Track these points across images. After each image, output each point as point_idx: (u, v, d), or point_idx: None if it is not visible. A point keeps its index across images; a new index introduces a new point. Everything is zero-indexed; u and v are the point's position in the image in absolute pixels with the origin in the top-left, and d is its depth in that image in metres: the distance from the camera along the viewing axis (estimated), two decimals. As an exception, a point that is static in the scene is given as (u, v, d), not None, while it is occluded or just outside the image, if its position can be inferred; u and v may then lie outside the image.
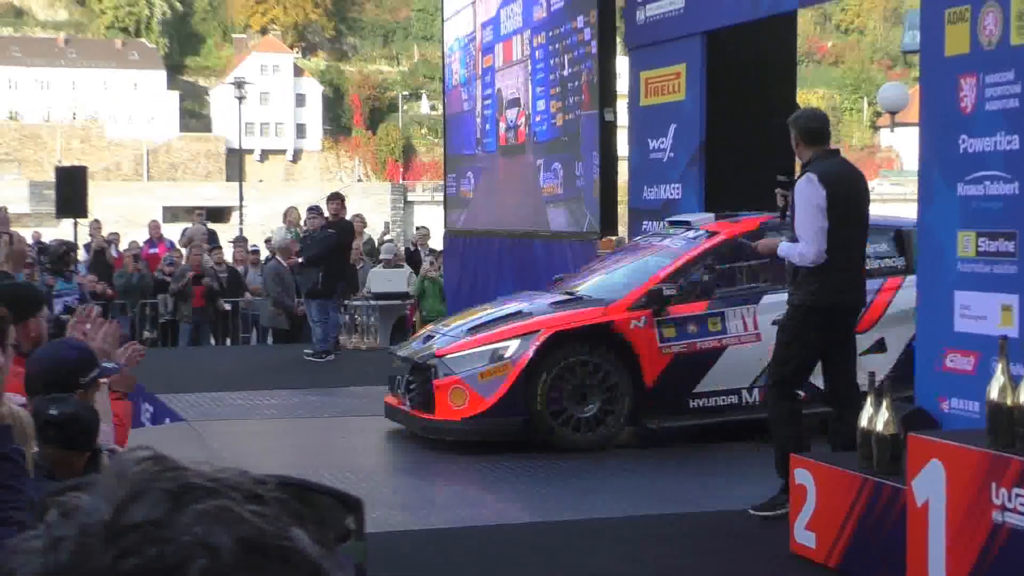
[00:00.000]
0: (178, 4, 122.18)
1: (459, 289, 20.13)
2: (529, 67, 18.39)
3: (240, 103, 51.58)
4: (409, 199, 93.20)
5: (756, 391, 11.34)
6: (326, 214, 18.13)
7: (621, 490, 9.93)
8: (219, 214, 69.17)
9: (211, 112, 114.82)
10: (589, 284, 12.48)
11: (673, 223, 13.17)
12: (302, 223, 20.15)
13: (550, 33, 17.59)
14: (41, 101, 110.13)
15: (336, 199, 18.30)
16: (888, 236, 12.17)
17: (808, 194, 8.56)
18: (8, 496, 3.10)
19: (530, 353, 11.15)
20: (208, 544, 0.93)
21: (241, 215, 46.65)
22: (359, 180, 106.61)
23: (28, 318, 5.88)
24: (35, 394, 4.86)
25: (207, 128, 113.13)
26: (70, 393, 4.83)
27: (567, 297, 12.12)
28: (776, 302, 11.24)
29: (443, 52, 23.25)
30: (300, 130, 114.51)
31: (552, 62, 17.55)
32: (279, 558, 0.95)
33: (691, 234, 12.25)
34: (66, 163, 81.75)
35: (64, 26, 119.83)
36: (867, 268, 11.76)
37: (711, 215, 12.81)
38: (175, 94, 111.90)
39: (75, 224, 22.18)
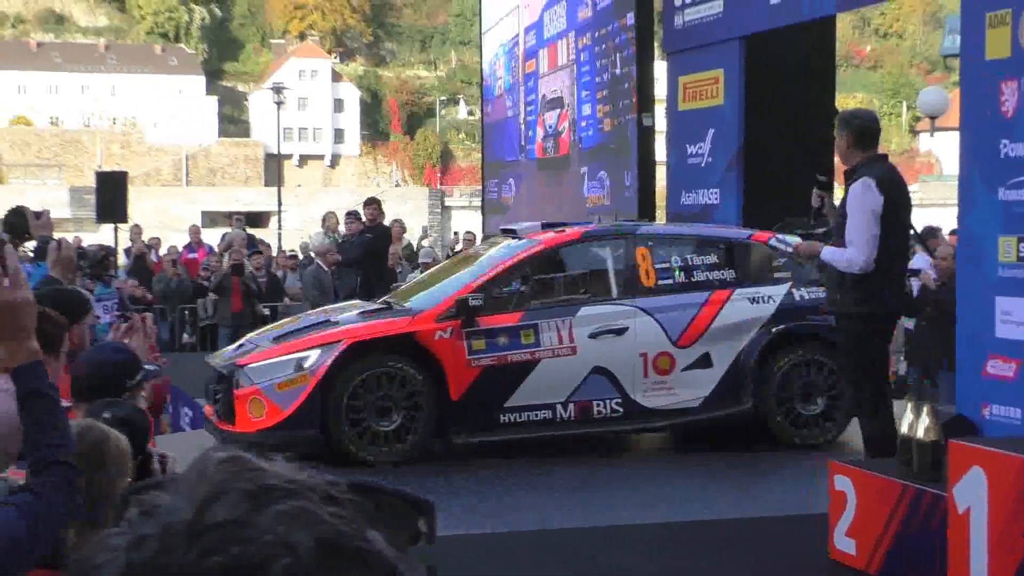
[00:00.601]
0: (217, 10, 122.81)
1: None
2: (574, 70, 18.14)
3: (279, 108, 51.84)
4: (447, 204, 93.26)
5: (572, 406, 11.11)
6: (364, 219, 18.17)
7: (656, 496, 9.90)
8: (258, 219, 69.45)
9: (250, 117, 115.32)
10: (415, 293, 12.14)
11: (504, 231, 13.08)
12: (340, 228, 20.20)
13: (597, 33, 17.28)
14: (82, 106, 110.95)
15: (373, 204, 18.33)
16: (718, 248, 11.96)
17: (865, 199, 8.36)
18: (45, 433, 3.10)
19: (328, 364, 10.73)
20: (289, 544, 0.94)
21: (280, 220, 46.85)
22: (396, 185, 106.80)
23: (74, 324, 5.93)
24: (81, 398, 4.90)
25: (246, 133, 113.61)
26: (123, 396, 4.86)
27: (380, 307, 11.77)
28: (594, 314, 11.23)
29: (480, 57, 23.25)
30: (338, 135, 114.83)
31: (599, 63, 17.24)
32: (357, 559, 0.97)
33: (514, 243, 12.04)
34: (106, 168, 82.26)
35: (104, 32, 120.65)
36: (692, 279, 11.73)
37: (538, 224, 12.69)
38: (214, 99, 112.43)
39: (115, 229, 22.26)
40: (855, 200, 8.42)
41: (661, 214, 16.42)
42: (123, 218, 21.07)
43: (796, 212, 11.55)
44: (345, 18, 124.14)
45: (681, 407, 11.36)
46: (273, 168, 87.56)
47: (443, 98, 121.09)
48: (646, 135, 15.95)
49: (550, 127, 19.33)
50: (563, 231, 12.06)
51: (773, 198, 12.98)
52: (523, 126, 20.35)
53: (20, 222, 8.68)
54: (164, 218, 71.49)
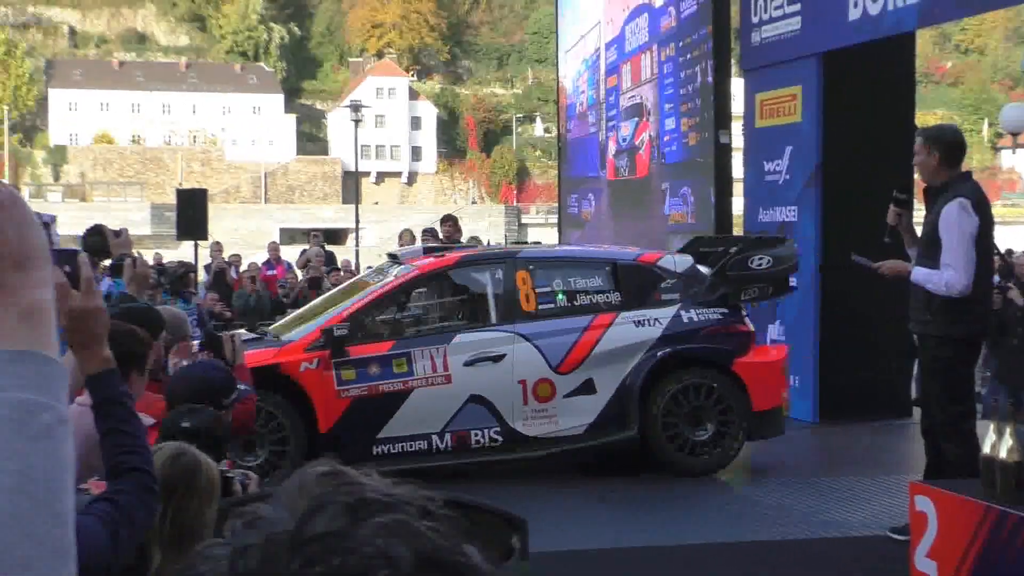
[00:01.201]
0: (296, 29, 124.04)
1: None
2: (657, 84, 17.87)
3: (356, 126, 52.24)
4: (523, 221, 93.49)
5: (448, 436, 10.84)
6: (440, 236, 18.21)
7: (738, 515, 9.83)
8: (335, 236, 69.96)
9: (328, 135, 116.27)
10: (296, 323, 11.77)
11: (389, 256, 12.76)
12: (417, 245, 20.28)
13: (681, 43, 16.95)
14: (163, 125, 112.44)
15: (450, 221, 18.35)
16: (603, 270, 11.66)
17: (962, 222, 8.03)
18: (120, 440, 3.13)
19: None
20: (389, 556, 0.96)
21: (357, 237, 47.18)
22: (473, 202, 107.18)
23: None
24: None
25: (324, 151, 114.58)
26: (204, 406, 4.91)
27: (254, 336, 11.39)
28: (470, 341, 10.93)
29: (557, 75, 23.29)
30: (415, 153, 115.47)
31: (684, 74, 16.91)
32: (455, 573, 0.98)
33: (394, 270, 11.70)
34: (186, 186, 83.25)
35: (185, 51, 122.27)
36: (575, 303, 11.41)
37: (420, 248, 12.48)
38: (292, 117, 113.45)
39: (195, 246, 22.47)
40: (952, 222, 8.08)
41: (739, 231, 16.32)
42: (203, 235, 21.27)
43: (874, 229, 11.37)
44: (423, 36, 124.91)
45: (563, 435, 11.08)
46: (351, 185, 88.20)
47: (519, 116, 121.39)
48: (723, 152, 15.90)
49: (624, 139, 19.23)
50: (442, 256, 11.70)
51: (851, 215, 12.85)
52: (604, 142, 20.30)
53: (99, 240, 8.78)
54: (243, 235, 72.19)
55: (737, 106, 15.69)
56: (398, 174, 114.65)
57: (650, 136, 18.23)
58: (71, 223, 67.64)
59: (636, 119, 18.84)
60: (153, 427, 4.55)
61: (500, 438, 10.91)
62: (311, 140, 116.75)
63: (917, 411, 10.46)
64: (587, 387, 11.15)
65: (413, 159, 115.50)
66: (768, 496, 10.54)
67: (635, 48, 18.80)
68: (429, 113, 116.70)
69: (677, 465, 11.14)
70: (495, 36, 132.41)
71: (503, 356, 10.91)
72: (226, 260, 23.84)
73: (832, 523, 9.38)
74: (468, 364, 10.87)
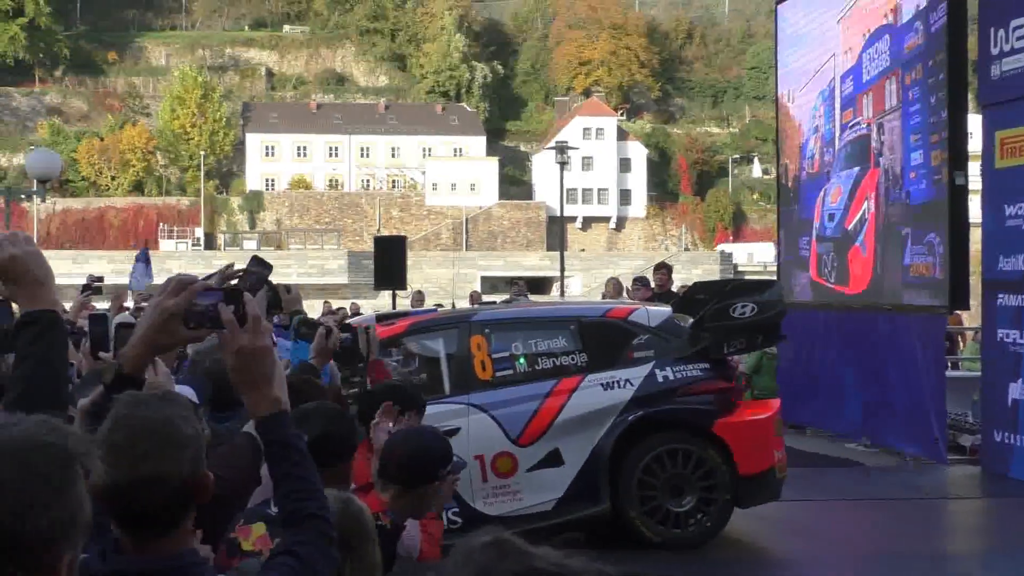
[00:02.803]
0: (499, 67, 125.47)
1: (793, 366, 19.84)
2: (900, 113, 17.04)
3: (562, 168, 52.60)
4: (739, 268, 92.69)
5: None
6: (653, 285, 18.19)
7: None
8: (540, 285, 70.49)
9: (532, 178, 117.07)
10: None
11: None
12: (625, 295, 20.30)
13: (931, 61, 16.10)
14: (360, 168, 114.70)
15: (662, 269, 18.32)
16: (567, 330, 11.26)
17: None
18: (296, 486, 3.15)
19: None
20: None
21: (562, 286, 47.39)
22: (686, 249, 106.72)
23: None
24: (389, 479, 5.11)
25: (527, 195, 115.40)
26: (432, 485, 5.05)
27: None
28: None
29: (776, 112, 22.99)
30: (624, 196, 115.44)
31: (933, 100, 16.01)
32: None
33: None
34: (385, 232, 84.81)
35: (384, 92, 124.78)
36: (536, 367, 10.95)
37: (372, 315, 12.12)
38: (495, 160, 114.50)
39: (393, 295, 22.82)
40: None
41: (976, 280, 15.91)
42: (401, 284, 21.56)
43: None
44: (632, 73, 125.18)
45: (530, 512, 10.80)
46: (556, 231, 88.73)
47: (736, 156, 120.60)
48: (958, 195, 15.51)
49: (847, 176, 18.76)
50: (393, 323, 11.54)
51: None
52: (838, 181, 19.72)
53: (272, 297, 9.10)
54: (443, 284, 73.17)
55: (974, 144, 15.36)
56: (606, 219, 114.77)
57: (887, 174, 17.51)
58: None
59: (861, 168, 18.21)
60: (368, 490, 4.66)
61: (459, 519, 10.53)
62: (514, 184, 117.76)
63: None
64: (553, 459, 10.91)
65: (621, 203, 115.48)
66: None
67: (874, 76, 18.13)
68: (639, 154, 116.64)
69: (656, 539, 10.86)
70: (710, 72, 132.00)
71: (457, 430, 10.58)
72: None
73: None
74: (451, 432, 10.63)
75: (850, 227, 19.31)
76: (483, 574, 1.03)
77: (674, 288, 19.01)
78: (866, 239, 18.57)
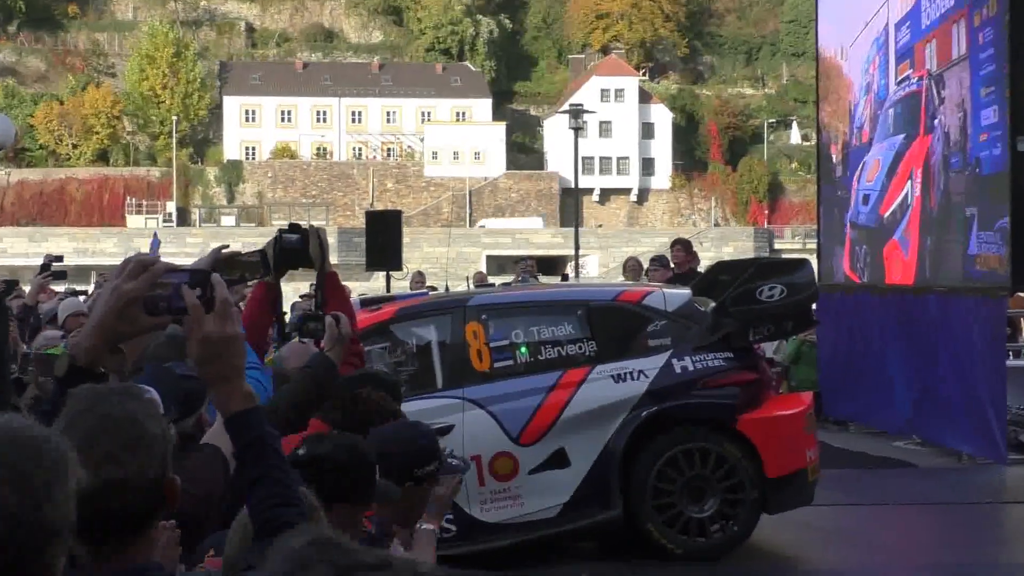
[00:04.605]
0: (507, 22, 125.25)
1: (834, 355, 19.82)
2: (968, 63, 16.30)
3: (577, 135, 52.48)
4: (775, 246, 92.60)
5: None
6: (672, 264, 18.10)
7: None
8: (552, 264, 70.42)
9: (543, 145, 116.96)
10: None
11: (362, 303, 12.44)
12: (643, 276, 20.28)
13: None
14: (352, 136, 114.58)
15: (679, 245, 18.17)
16: (574, 316, 11.20)
17: None
18: (272, 491, 3.14)
19: None
20: None
21: (577, 266, 47.22)
22: (716, 224, 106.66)
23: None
24: None
25: (539, 164, 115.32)
26: (406, 485, 4.99)
27: None
28: (409, 412, 10.16)
29: (817, 70, 22.86)
30: (646, 166, 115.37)
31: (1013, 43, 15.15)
32: None
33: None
34: (378, 206, 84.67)
35: (378, 49, 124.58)
36: (539, 357, 10.87)
37: (356, 300, 12.13)
38: (502, 126, 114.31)
39: (388, 277, 22.73)
40: None
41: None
42: (397, 265, 21.43)
43: None
44: (656, 28, 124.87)
45: (532, 519, 10.77)
46: (570, 205, 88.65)
47: (772, 120, 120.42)
48: (1020, 163, 15.29)
49: (889, 147, 18.50)
50: (379, 308, 11.46)
51: None
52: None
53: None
54: (444, 263, 73.16)
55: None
56: (626, 191, 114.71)
57: (955, 138, 16.72)
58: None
59: (903, 136, 17.86)
60: None
61: (454, 527, 10.45)
62: (523, 151, 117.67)
63: None
64: (558, 459, 10.86)
65: (644, 173, 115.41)
66: None
67: (935, 20, 17.38)
68: (663, 119, 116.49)
69: (676, 549, 10.82)
70: (743, 26, 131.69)
71: (451, 428, 10.48)
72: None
73: None
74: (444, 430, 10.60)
75: (886, 215, 18.97)
76: (301, 566, 1.10)
77: (700, 268, 18.94)
78: (908, 230, 18.26)
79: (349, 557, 1.11)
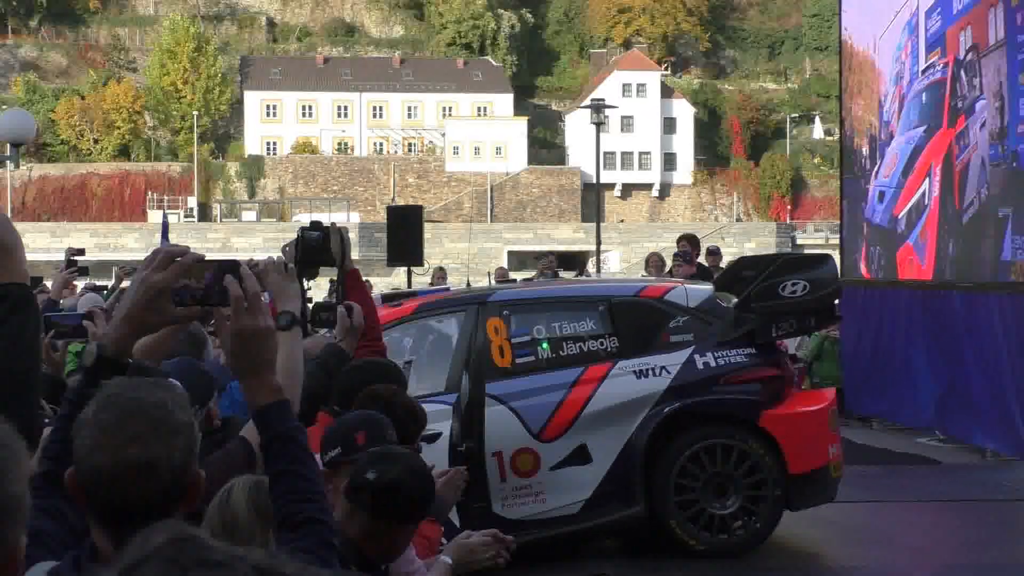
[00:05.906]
0: (529, 16, 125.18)
1: (857, 351, 19.75)
2: (1006, 48, 15.67)
3: (599, 130, 52.40)
4: (798, 241, 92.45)
5: None
6: (703, 261, 18.03)
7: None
8: (573, 260, 70.27)
9: (565, 141, 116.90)
10: None
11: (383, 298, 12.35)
12: (667, 270, 20.26)
13: None
14: (373, 130, 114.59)
15: (684, 240, 18.17)
16: (595, 311, 11.15)
17: None
18: (295, 485, 3.15)
19: None
20: None
21: (598, 261, 47.15)
22: (738, 219, 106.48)
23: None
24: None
25: (560, 160, 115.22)
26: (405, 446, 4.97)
27: None
28: (431, 410, 10.20)
29: (840, 64, 22.75)
30: (668, 161, 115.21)
31: None
32: None
33: None
34: (399, 202, 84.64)
35: (400, 44, 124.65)
36: (561, 353, 10.85)
37: (378, 295, 12.10)
38: (523, 121, 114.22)
39: (409, 272, 22.72)
40: None
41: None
42: (418, 260, 21.45)
43: None
44: (678, 22, 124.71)
45: (554, 516, 10.76)
46: (592, 200, 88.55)
47: (794, 115, 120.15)
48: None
49: (908, 140, 18.27)
50: (399, 304, 11.45)
51: None
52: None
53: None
54: (465, 259, 73.12)
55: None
56: (648, 187, 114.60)
57: (992, 127, 16.19)
58: (269, 247, 69.55)
59: (923, 129, 17.55)
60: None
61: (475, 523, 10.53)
62: (545, 147, 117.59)
63: None
64: (580, 455, 10.86)
65: (666, 168, 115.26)
66: None
67: (968, 4, 16.80)
68: (685, 113, 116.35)
69: (699, 546, 10.83)
70: (766, 20, 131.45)
71: (438, 435, 10.40)
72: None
73: None
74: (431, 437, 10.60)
75: (900, 215, 18.80)
76: (141, 559, 1.13)
77: (722, 264, 18.92)
78: (925, 233, 18.05)
79: (201, 554, 1.13)
